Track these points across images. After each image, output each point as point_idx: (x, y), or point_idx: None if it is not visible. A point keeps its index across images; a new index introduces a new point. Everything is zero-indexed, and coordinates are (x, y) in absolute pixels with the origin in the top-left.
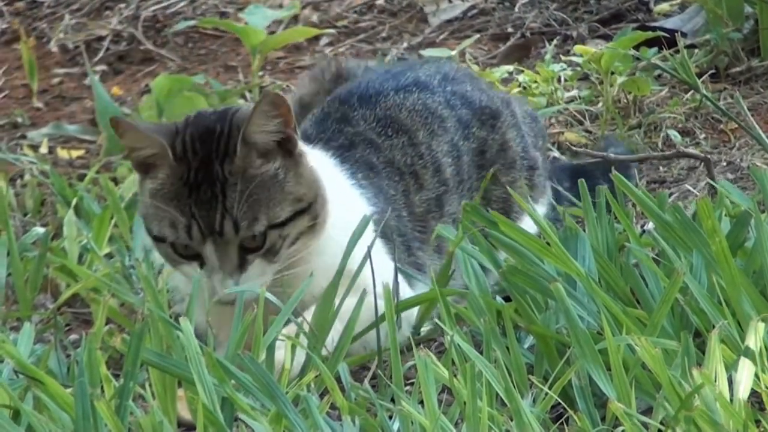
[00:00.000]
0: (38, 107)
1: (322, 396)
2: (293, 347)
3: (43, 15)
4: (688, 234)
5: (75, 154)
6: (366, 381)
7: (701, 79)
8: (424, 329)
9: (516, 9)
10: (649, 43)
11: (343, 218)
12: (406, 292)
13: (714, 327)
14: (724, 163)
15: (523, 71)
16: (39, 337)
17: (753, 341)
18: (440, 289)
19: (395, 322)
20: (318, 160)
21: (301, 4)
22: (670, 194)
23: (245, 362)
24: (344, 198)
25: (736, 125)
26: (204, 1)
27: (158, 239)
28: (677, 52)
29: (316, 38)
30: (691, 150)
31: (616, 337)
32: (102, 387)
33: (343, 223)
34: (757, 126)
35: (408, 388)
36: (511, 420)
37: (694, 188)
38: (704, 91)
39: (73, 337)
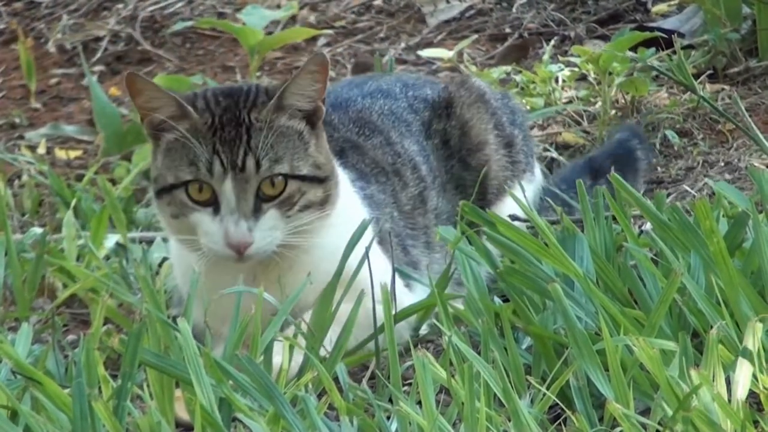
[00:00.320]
0: (36, 108)
1: (320, 396)
2: (291, 348)
3: (41, 15)
4: (686, 234)
5: (73, 154)
6: (364, 381)
7: (699, 80)
8: (422, 330)
9: (514, 9)
10: (647, 43)
11: (345, 214)
12: (404, 292)
13: (712, 327)
14: (722, 164)
15: (520, 72)
16: (37, 338)
17: (751, 342)
18: (440, 295)
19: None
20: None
21: (299, 5)
22: (668, 195)
23: (243, 363)
24: (347, 200)
25: (734, 126)
26: (202, 1)
27: (173, 188)
28: (675, 52)
29: (314, 39)
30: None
31: (614, 338)
32: (100, 387)
33: (344, 219)
34: (754, 126)
35: (406, 388)
36: (509, 420)
37: (692, 189)
38: (701, 92)
39: (71, 337)
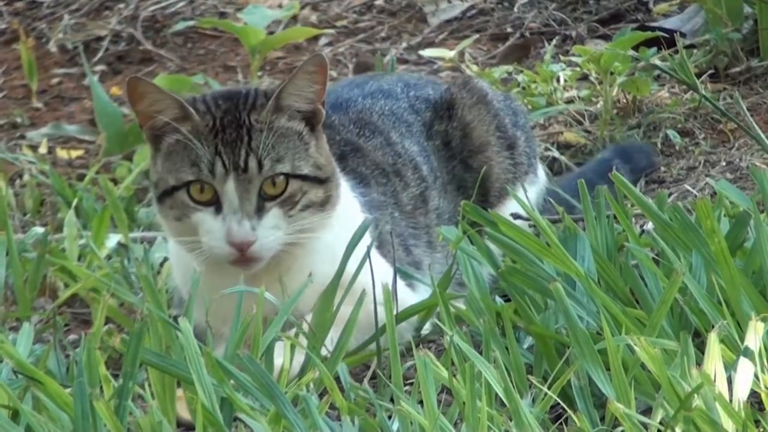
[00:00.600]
0: (37, 107)
1: (321, 396)
2: (292, 347)
3: (43, 15)
4: (688, 234)
5: (74, 154)
6: (365, 381)
7: (700, 80)
8: (424, 330)
9: (515, 9)
10: (648, 43)
11: (345, 217)
12: (406, 292)
13: (713, 327)
14: (724, 163)
15: (522, 71)
16: (38, 337)
17: (752, 341)
18: (442, 295)
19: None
20: None
21: (300, 4)
22: (670, 194)
23: (244, 362)
24: (347, 204)
25: (736, 125)
26: (203, 1)
27: (174, 189)
28: (676, 52)
29: (316, 38)
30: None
31: (615, 337)
32: (101, 387)
33: (345, 221)
34: (756, 126)
35: (407, 388)
36: (511, 420)
37: (694, 188)
38: (703, 92)
39: (72, 337)
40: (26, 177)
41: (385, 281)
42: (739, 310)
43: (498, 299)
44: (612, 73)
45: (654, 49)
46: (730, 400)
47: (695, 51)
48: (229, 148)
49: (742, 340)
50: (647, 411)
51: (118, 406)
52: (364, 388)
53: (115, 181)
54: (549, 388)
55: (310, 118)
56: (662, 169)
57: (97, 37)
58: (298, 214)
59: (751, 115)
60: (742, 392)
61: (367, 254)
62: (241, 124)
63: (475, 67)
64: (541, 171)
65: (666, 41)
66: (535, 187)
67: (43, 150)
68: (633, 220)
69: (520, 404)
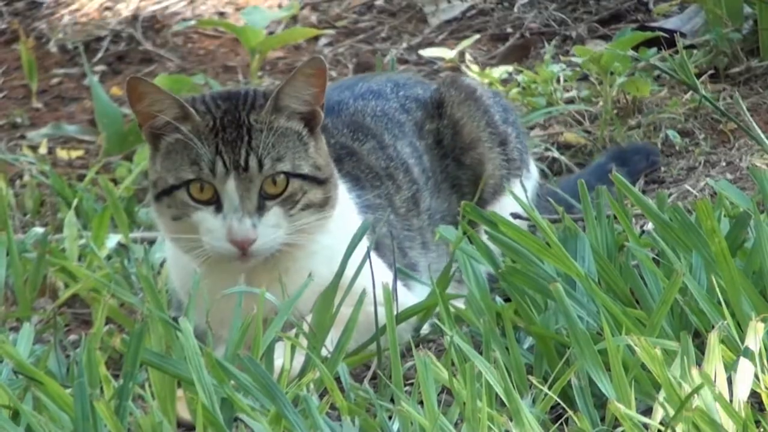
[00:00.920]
0: (37, 107)
1: (321, 396)
2: (293, 348)
3: (43, 15)
4: (688, 234)
5: (74, 154)
6: (366, 381)
7: (700, 80)
8: (424, 330)
9: (515, 9)
10: (648, 43)
11: (343, 219)
12: (403, 293)
13: (713, 327)
14: (724, 164)
15: (522, 71)
16: (38, 338)
17: (752, 341)
18: (441, 295)
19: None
20: None
21: (300, 5)
22: (670, 194)
23: (245, 362)
24: (345, 207)
25: (736, 125)
26: (203, 1)
27: (173, 188)
28: (677, 52)
29: (316, 38)
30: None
31: (615, 338)
32: (101, 387)
33: (343, 224)
34: (756, 126)
35: (408, 388)
36: (511, 420)
37: (694, 188)
38: (703, 92)
39: (72, 337)
40: (26, 177)
41: (384, 282)
42: (739, 310)
43: (498, 299)
44: (612, 74)
45: (654, 50)
46: (731, 401)
47: (695, 51)
48: (230, 148)
49: (743, 340)
50: (647, 411)
51: (119, 406)
52: (364, 389)
53: (115, 182)
54: (549, 389)
55: (309, 120)
56: (662, 169)
57: (97, 37)
58: (298, 214)
59: (751, 116)
60: (742, 392)
61: (367, 255)
62: (241, 124)
63: (475, 67)
64: (533, 167)
65: (666, 41)
66: (528, 183)
67: (43, 150)
68: (633, 220)
69: (521, 404)
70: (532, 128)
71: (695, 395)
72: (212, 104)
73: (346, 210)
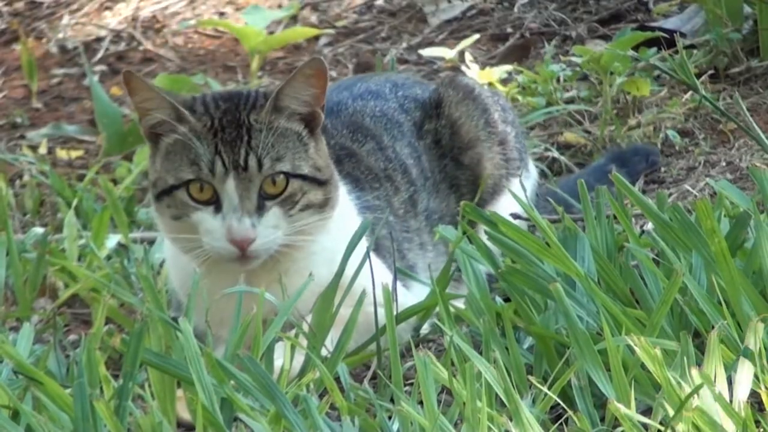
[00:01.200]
0: (37, 108)
1: (321, 396)
2: (293, 348)
3: (43, 15)
4: (688, 234)
5: (74, 154)
6: (365, 381)
7: (700, 80)
8: (424, 330)
9: (515, 9)
10: (648, 43)
11: (343, 220)
12: (402, 293)
13: (713, 327)
14: (724, 164)
15: (522, 71)
16: (38, 338)
17: (752, 341)
18: (441, 295)
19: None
20: None
21: (300, 5)
22: (670, 194)
23: (244, 362)
24: (345, 208)
25: (736, 125)
26: (203, 1)
27: (173, 188)
28: (676, 52)
29: (316, 38)
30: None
31: (615, 338)
32: (101, 387)
33: (343, 225)
34: (756, 126)
35: (407, 388)
36: (511, 420)
37: (694, 188)
38: (703, 92)
39: (72, 337)
40: (26, 177)
41: (384, 283)
42: (739, 310)
43: (498, 299)
44: (612, 74)
45: (654, 50)
46: (730, 401)
47: (695, 51)
48: (229, 147)
49: (742, 340)
50: (647, 411)
51: (118, 406)
52: (364, 389)
53: (115, 182)
54: (549, 389)
55: (309, 121)
56: (662, 169)
57: (97, 37)
58: (297, 215)
59: (751, 116)
60: (742, 392)
61: (367, 255)
62: (240, 124)
63: (475, 67)
64: (532, 167)
65: (666, 41)
66: (527, 183)
67: (43, 150)
68: (633, 220)
69: (520, 404)
70: (531, 128)
71: (695, 395)
72: (212, 104)
73: (346, 211)
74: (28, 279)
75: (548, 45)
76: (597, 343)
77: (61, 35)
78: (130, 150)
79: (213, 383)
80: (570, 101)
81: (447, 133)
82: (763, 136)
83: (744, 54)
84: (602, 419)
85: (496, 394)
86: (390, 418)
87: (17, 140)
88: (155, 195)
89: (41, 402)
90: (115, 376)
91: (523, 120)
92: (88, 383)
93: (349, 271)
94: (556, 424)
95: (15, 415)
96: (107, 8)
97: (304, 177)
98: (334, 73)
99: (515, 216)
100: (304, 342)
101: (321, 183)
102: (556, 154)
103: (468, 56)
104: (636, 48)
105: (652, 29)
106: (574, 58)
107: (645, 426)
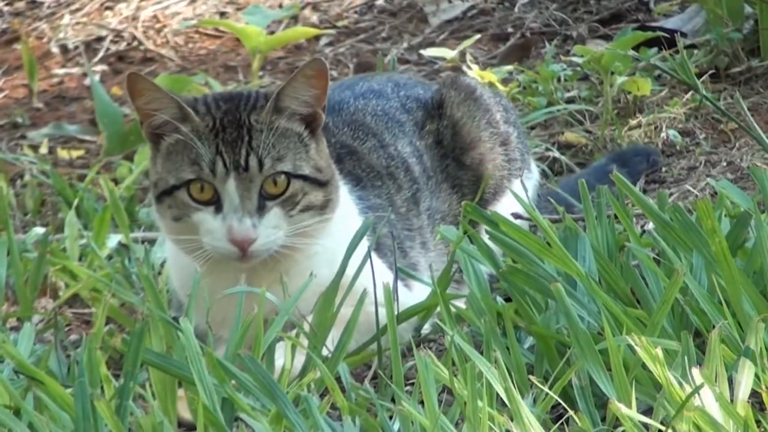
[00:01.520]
0: (38, 107)
1: (322, 396)
2: (293, 347)
3: (44, 15)
4: (689, 234)
5: (75, 154)
6: (366, 381)
7: (701, 80)
8: (425, 330)
9: (516, 9)
10: (649, 43)
11: (344, 221)
12: (404, 293)
13: (714, 327)
14: (724, 163)
15: (523, 71)
16: (39, 337)
17: (753, 341)
18: (442, 294)
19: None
20: None
21: (301, 4)
22: (670, 194)
23: (245, 362)
24: (346, 209)
25: (736, 125)
26: (204, 1)
27: (174, 189)
28: (677, 52)
29: (316, 38)
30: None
31: (616, 338)
32: (102, 387)
33: (344, 226)
34: (757, 126)
35: (408, 388)
36: (512, 420)
37: (694, 188)
38: (704, 92)
39: (73, 337)
40: (27, 177)
41: (385, 282)
42: (740, 310)
43: (499, 299)
44: (613, 73)
45: (655, 49)
46: (731, 401)
47: (696, 51)
48: (230, 147)
49: (743, 340)
50: (648, 411)
51: (119, 406)
52: (365, 388)
53: (116, 181)
54: (550, 388)
55: (310, 122)
56: (663, 169)
57: (98, 37)
58: (298, 215)
59: (752, 115)
60: (743, 392)
61: (368, 255)
62: (241, 124)
63: (476, 67)
64: (534, 167)
65: (667, 41)
66: (529, 183)
67: (43, 150)
68: (634, 220)
69: (521, 404)
70: (532, 128)
71: (696, 395)
72: (213, 105)
73: (347, 212)
74: (29, 279)
75: (549, 45)
76: (598, 343)
77: (62, 35)
78: (131, 150)
79: (214, 383)
80: (571, 101)
81: (449, 133)
82: (763, 136)
83: (745, 54)
84: (603, 419)
85: (497, 394)
86: (391, 417)
87: (18, 140)
88: (156, 196)
89: (42, 402)
90: (116, 376)
91: (524, 120)
92: (89, 383)
93: (350, 270)
94: (557, 424)
95: (16, 415)
96: (108, 8)
97: (305, 177)
98: (335, 73)
99: (516, 216)
100: (305, 342)
101: (322, 184)
102: (556, 153)
103: (469, 56)
104: (637, 48)
105: (653, 29)
106: (574, 58)
107: (646, 426)
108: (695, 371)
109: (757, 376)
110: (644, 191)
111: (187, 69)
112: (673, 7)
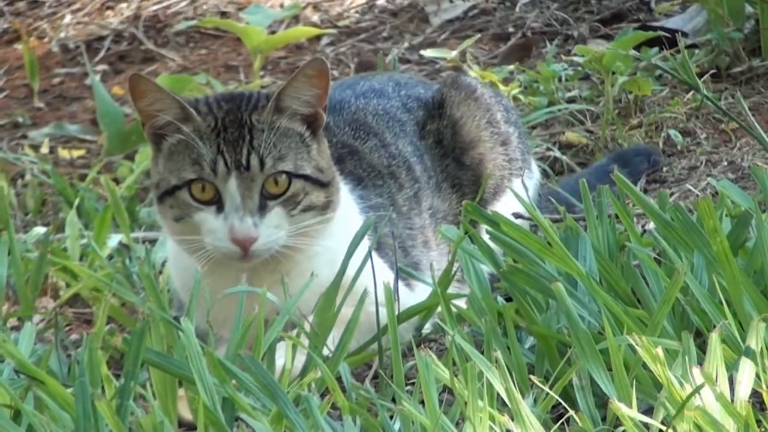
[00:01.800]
0: (39, 107)
1: (323, 396)
2: (294, 347)
3: (44, 15)
4: (689, 234)
5: (76, 153)
6: (367, 381)
7: (702, 79)
8: (425, 330)
9: (517, 9)
10: (650, 42)
11: (345, 222)
12: (405, 292)
13: (715, 327)
14: (725, 163)
15: (524, 71)
16: (40, 337)
17: (754, 341)
18: (443, 294)
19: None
20: None
21: (302, 4)
22: (671, 194)
23: (246, 362)
24: (347, 209)
25: (737, 125)
26: (205, 0)
27: (176, 189)
28: (678, 51)
29: (317, 38)
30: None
31: (617, 337)
32: (103, 387)
33: (345, 226)
34: (758, 126)
35: (409, 388)
36: (512, 420)
37: (695, 188)
38: (705, 91)
39: (73, 336)
40: (28, 177)
41: (386, 282)
42: (740, 309)
43: (499, 299)
44: (614, 73)
45: (656, 49)
46: (732, 400)
47: (697, 51)
48: (231, 147)
49: (744, 339)
50: (649, 411)
51: (120, 405)
52: (365, 388)
53: (117, 181)
54: (551, 388)
55: (311, 122)
56: (664, 168)
57: (99, 36)
58: (299, 215)
59: (753, 115)
60: (743, 392)
61: (369, 255)
62: (242, 124)
63: (477, 67)
64: (535, 167)
65: (668, 41)
66: (530, 182)
67: (44, 150)
68: (635, 219)
69: (522, 404)
70: (533, 128)
71: (696, 395)
72: (215, 105)
73: (348, 212)
74: (29, 278)
75: (550, 44)
76: (598, 343)
77: (62, 34)
78: (132, 149)
79: (214, 383)
80: (572, 101)
81: (449, 133)
82: (764, 136)
83: (746, 53)
84: (604, 419)
85: (498, 394)
86: (392, 417)
87: (19, 140)
88: (158, 196)
89: (43, 401)
90: (117, 376)
91: (525, 120)
92: (90, 383)
93: (351, 270)
94: (558, 424)
95: (17, 415)
96: (109, 7)
97: (306, 177)
98: (336, 73)
99: (517, 215)
100: (305, 342)
101: (323, 185)
102: (557, 153)
103: (470, 56)
104: (638, 47)
105: (654, 29)
106: (575, 58)
107: (646, 425)
108: (696, 371)
109: (757, 375)
110: (645, 191)
111: (188, 69)
112: (674, 7)
